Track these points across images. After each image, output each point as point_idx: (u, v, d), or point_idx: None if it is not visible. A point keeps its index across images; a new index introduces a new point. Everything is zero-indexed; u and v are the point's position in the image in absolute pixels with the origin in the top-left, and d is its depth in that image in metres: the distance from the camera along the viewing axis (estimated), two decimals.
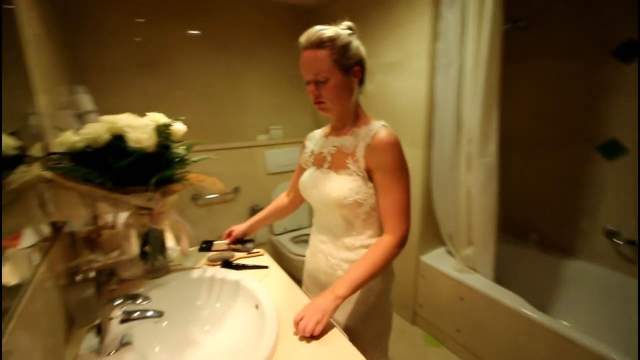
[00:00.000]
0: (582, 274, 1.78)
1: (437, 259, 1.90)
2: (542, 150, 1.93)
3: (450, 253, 1.92)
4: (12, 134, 0.71)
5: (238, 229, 1.14)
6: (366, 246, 0.87)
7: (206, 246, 1.12)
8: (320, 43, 0.78)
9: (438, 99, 1.72)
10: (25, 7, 0.92)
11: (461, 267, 1.76)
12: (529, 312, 1.43)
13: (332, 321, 0.81)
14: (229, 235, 1.14)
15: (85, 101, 1.34)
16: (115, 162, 0.79)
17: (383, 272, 0.85)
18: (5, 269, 0.68)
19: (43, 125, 0.91)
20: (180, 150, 0.96)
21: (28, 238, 0.78)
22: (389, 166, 0.82)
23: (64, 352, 0.69)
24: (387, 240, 0.82)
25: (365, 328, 0.89)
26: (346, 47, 0.79)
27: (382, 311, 0.93)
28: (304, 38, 0.80)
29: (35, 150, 0.84)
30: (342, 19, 0.84)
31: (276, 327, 0.75)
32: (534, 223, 2.03)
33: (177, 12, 2.00)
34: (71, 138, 0.80)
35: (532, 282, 1.85)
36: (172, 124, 0.89)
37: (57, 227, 0.89)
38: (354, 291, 0.77)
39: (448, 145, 1.72)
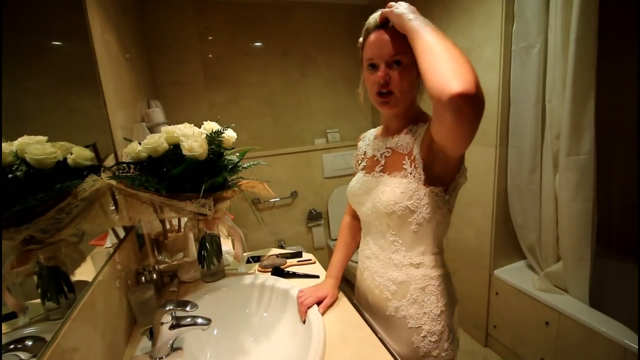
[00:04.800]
0: None
1: (515, 274, 1.65)
2: None
3: (531, 268, 1.66)
4: (88, 146, 0.79)
5: (318, 294, 0.87)
6: (417, 264, 0.76)
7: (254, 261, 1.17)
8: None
9: (515, 89, 1.51)
10: (102, 38, 1.03)
11: (546, 286, 1.49)
12: (636, 346, 1.15)
13: (390, 349, 0.73)
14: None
15: (158, 114, 1.47)
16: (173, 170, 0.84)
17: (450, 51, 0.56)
18: (87, 266, 0.76)
19: (117, 137, 1.00)
20: (233, 157, 0.98)
21: (110, 239, 0.89)
22: None
23: (123, 351, 0.75)
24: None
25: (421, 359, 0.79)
26: None
27: (439, 343, 0.78)
28: (374, 18, 0.71)
29: (109, 161, 0.93)
30: None
31: (322, 344, 0.70)
32: None
33: (242, 27, 2.12)
34: (136, 148, 0.86)
35: None
36: (223, 131, 0.91)
37: (127, 230, 0.97)
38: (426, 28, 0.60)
39: (528, 143, 1.50)
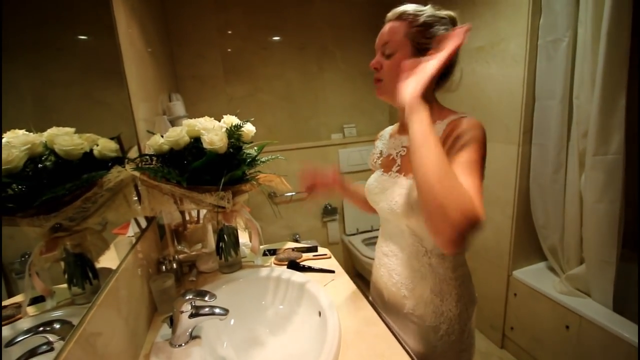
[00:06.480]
0: None
1: (535, 276, 1.61)
2: None
3: (552, 270, 1.61)
4: (113, 138, 0.81)
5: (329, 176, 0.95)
6: (436, 264, 0.75)
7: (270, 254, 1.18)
8: (400, 15, 0.71)
9: (540, 85, 1.45)
10: (127, 32, 1.05)
11: (567, 289, 1.45)
12: None
13: (405, 346, 0.73)
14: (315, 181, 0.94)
15: (179, 107, 1.50)
16: (194, 163, 0.85)
17: (425, 184, 0.56)
18: (111, 254, 0.79)
19: (140, 130, 1.03)
20: (251, 150, 0.99)
21: (133, 228, 0.91)
22: (466, 137, 0.63)
23: (144, 337, 0.77)
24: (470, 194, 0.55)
25: (438, 358, 0.78)
26: (429, 25, 0.70)
27: (457, 343, 0.77)
28: (389, 12, 0.74)
29: (132, 153, 0.96)
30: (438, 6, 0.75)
31: (337, 339, 0.71)
32: None
33: (261, 20, 2.12)
34: (159, 141, 0.88)
35: None
36: (242, 125, 0.92)
37: (148, 220, 1.00)
38: (417, 124, 0.58)
39: (553, 141, 1.44)
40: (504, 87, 1.56)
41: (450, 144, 0.66)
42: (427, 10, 0.71)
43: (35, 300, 0.54)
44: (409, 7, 0.71)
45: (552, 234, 1.54)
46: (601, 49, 1.20)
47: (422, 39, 0.70)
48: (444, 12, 0.73)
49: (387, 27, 0.74)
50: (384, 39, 0.73)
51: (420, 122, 0.58)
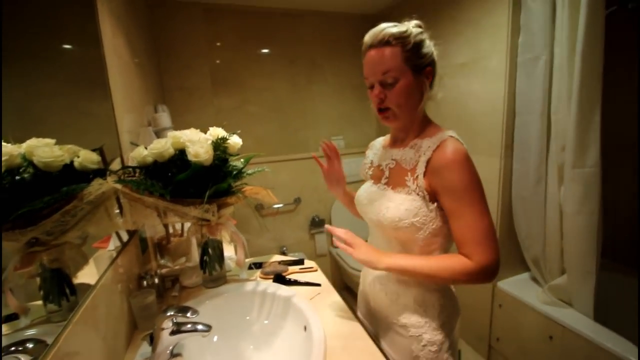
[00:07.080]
0: None
1: (519, 287, 1.63)
2: None
3: (536, 281, 1.64)
4: (95, 150, 0.80)
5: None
6: None
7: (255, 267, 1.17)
8: (389, 40, 0.70)
9: (520, 100, 1.50)
10: (112, 42, 1.04)
11: (550, 299, 1.47)
12: None
13: (388, 356, 0.73)
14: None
15: (164, 119, 1.49)
16: (178, 175, 0.84)
17: (437, 283, 0.77)
18: (90, 269, 0.76)
19: (123, 141, 1.01)
20: (238, 163, 0.99)
21: (114, 242, 0.89)
22: (457, 188, 0.68)
23: (123, 356, 0.74)
24: (466, 262, 0.66)
25: None
26: (419, 45, 0.71)
27: (439, 354, 0.77)
28: (369, 36, 0.73)
29: (115, 165, 0.94)
30: (410, 18, 0.75)
31: (323, 354, 0.70)
32: None
33: (250, 33, 2.14)
34: (142, 153, 0.87)
35: None
36: (229, 137, 0.92)
37: (130, 234, 0.98)
38: (396, 271, 0.73)
39: (534, 155, 1.49)
40: (486, 102, 1.61)
41: (443, 185, 0.69)
42: (409, 29, 0.71)
43: (9, 319, 0.51)
44: (392, 30, 0.70)
45: (534, 244, 1.57)
46: (576, 66, 1.26)
47: (417, 60, 0.71)
48: (413, 23, 0.73)
49: (373, 54, 0.72)
50: (379, 68, 0.71)
51: (401, 272, 0.72)
